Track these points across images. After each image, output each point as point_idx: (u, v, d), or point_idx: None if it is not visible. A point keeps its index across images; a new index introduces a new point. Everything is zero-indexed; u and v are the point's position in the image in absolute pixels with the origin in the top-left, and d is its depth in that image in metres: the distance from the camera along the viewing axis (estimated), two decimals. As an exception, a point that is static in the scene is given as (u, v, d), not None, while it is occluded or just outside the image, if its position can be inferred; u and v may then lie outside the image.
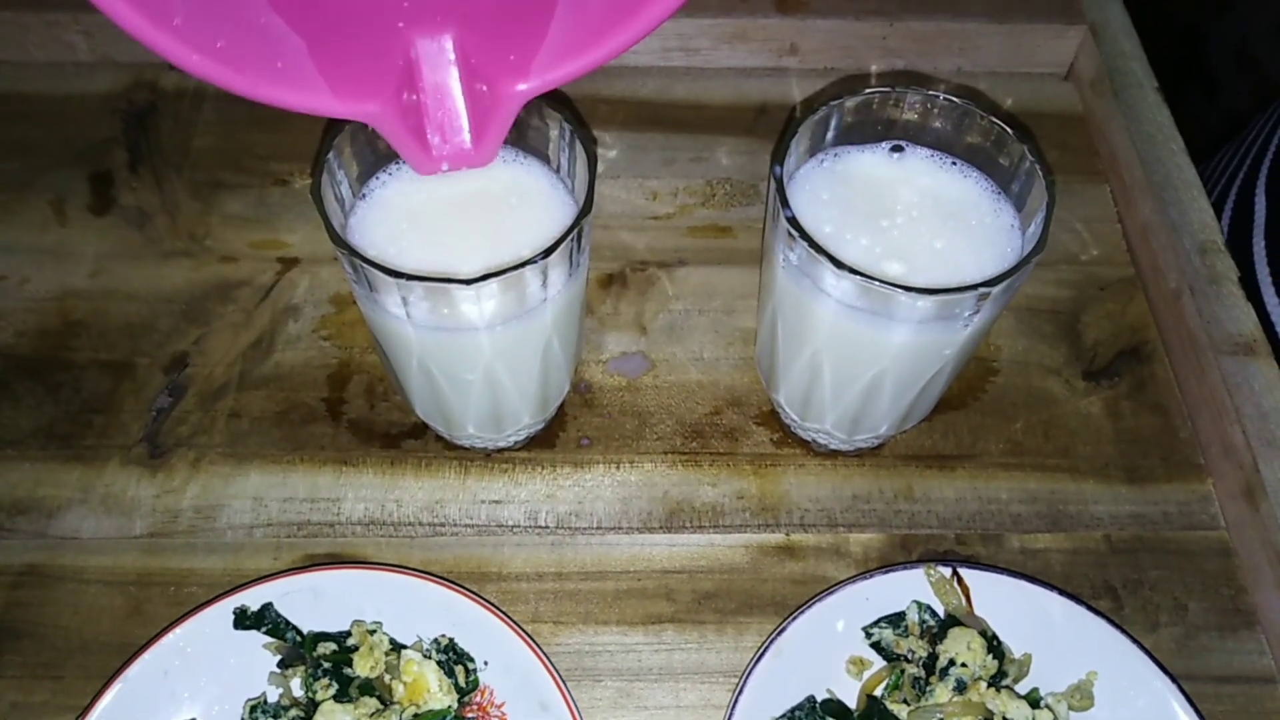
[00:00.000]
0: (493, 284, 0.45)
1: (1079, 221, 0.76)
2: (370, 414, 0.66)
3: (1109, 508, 0.64)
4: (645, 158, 0.79)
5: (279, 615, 0.53)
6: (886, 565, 0.57)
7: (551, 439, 0.65)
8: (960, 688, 0.51)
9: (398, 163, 0.53)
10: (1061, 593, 0.55)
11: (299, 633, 0.53)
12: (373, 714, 0.48)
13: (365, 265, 0.45)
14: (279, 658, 0.53)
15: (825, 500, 0.63)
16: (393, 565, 0.55)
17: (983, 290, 0.46)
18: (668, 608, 0.59)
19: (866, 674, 0.55)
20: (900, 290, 0.46)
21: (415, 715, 0.49)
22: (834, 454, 0.64)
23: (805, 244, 0.47)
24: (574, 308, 0.53)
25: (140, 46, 0.43)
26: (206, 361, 0.67)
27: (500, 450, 0.64)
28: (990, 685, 0.51)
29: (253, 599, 0.53)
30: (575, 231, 0.47)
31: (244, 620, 0.53)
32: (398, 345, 0.51)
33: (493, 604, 0.54)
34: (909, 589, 0.56)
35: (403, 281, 0.45)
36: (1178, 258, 0.70)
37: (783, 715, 0.52)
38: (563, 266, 0.48)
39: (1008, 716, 0.50)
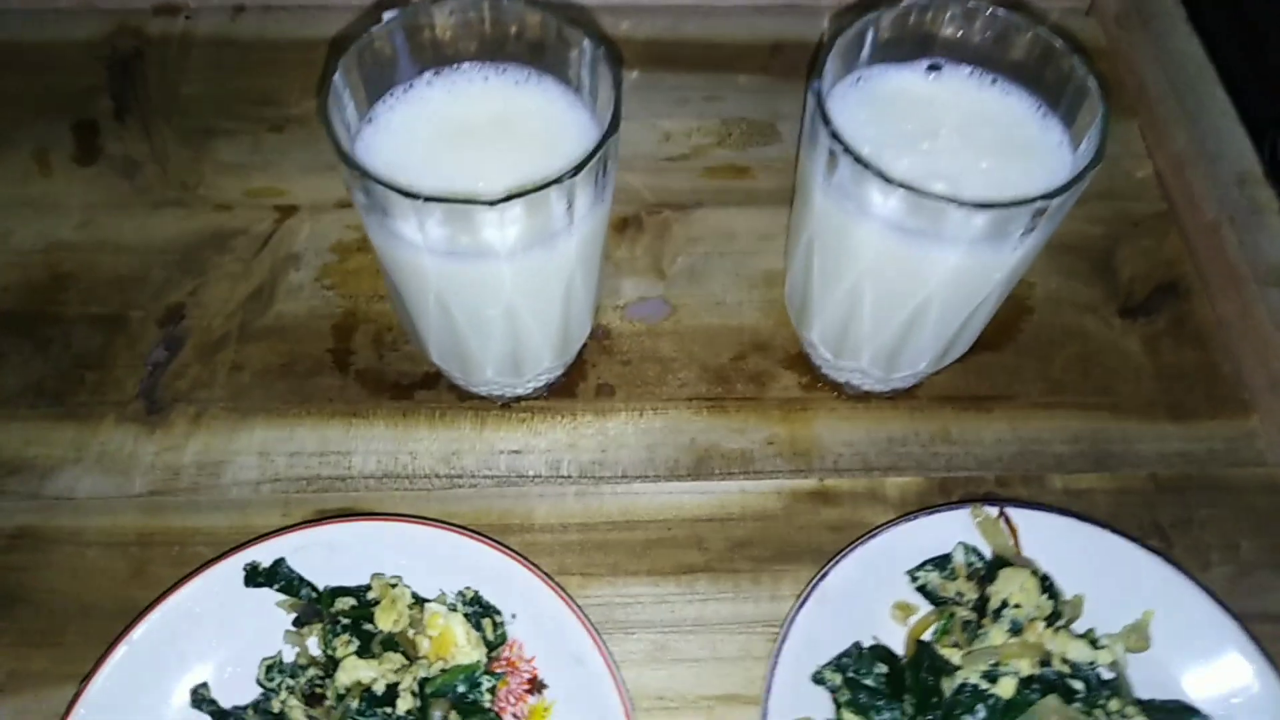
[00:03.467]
0: (517, 206, 0.42)
1: (1107, 160, 0.73)
2: (379, 364, 0.62)
3: (1154, 446, 0.61)
4: (657, 97, 0.75)
5: (292, 571, 0.50)
6: (928, 507, 0.55)
7: (571, 387, 0.62)
8: (1015, 629, 0.49)
9: (406, 85, 0.50)
10: (1114, 530, 0.53)
11: (314, 589, 0.50)
12: (398, 670, 0.45)
13: (380, 188, 0.42)
14: (294, 616, 0.50)
15: (859, 444, 0.60)
16: (411, 516, 0.52)
17: (1040, 204, 0.43)
18: (700, 557, 0.56)
19: (913, 619, 0.52)
20: (955, 205, 0.43)
21: (443, 670, 0.46)
22: (866, 397, 0.62)
23: (851, 160, 0.44)
24: (598, 238, 0.50)
25: None
26: (204, 313, 0.64)
27: (518, 399, 0.61)
28: (1047, 625, 0.48)
29: (264, 554, 0.50)
30: (602, 149, 0.44)
31: (255, 577, 0.50)
32: (413, 281, 0.48)
33: (519, 553, 0.51)
34: (953, 531, 0.54)
35: (421, 204, 0.41)
36: (1216, 188, 0.67)
37: (829, 663, 0.50)
38: (589, 189, 0.45)
39: (1067, 658, 0.48)
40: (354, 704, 0.44)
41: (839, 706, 0.48)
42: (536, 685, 0.49)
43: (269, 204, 0.69)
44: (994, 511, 0.53)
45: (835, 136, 0.45)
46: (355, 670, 0.45)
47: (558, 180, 0.42)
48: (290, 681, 0.47)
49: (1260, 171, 0.67)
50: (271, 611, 0.50)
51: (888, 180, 0.43)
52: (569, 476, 0.59)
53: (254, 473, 0.58)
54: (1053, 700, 0.46)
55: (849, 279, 0.50)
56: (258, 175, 0.70)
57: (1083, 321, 0.66)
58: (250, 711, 0.47)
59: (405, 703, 0.44)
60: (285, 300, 0.65)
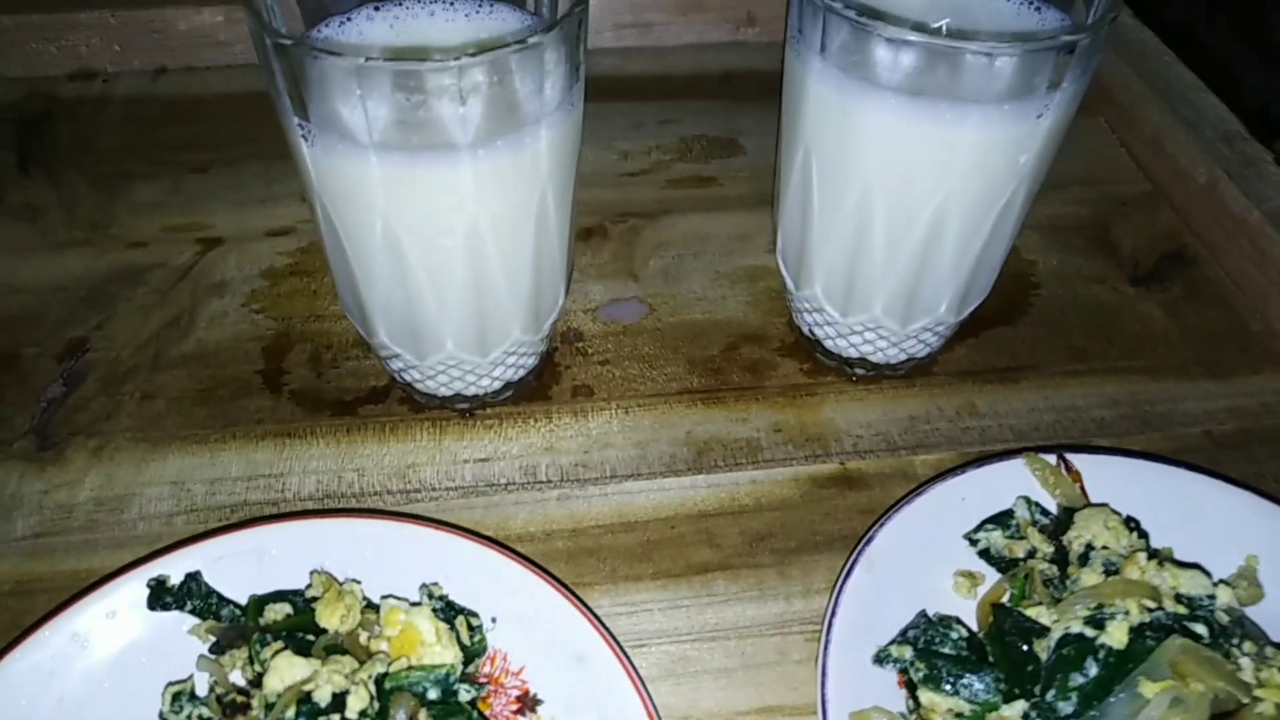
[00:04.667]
0: (477, 71, 0.36)
1: (1082, 151, 0.71)
2: (317, 382, 0.54)
3: (1200, 404, 0.54)
4: (609, 125, 0.72)
5: (210, 588, 0.40)
6: (973, 460, 0.47)
7: (543, 391, 0.54)
8: (1111, 570, 0.40)
9: (344, 18, 0.44)
10: (1194, 469, 0.45)
11: (238, 607, 0.40)
12: (347, 673, 0.34)
13: (316, 54, 0.35)
14: (212, 641, 0.39)
15: (878, 424, 0.53)
16: (358, 510, 0.43)
17: (1067, 41, 0.38)
18: (713, 555, 0.47)
19: (981, 588, 0.43)
20: (974, 48, 0.38)
21: (410, 667, 0.35)
22: (878, 379, 0.54)
23: (851, 20, 0.39)
24: (570, 150, 0.43)
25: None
26: (110, 345, 0.55)
27: (481, 405, 0.52)
28: (1151, 558, 0.40)
29: (173, 567, 0.40)
30: (577, 11, 0.38)
31: (162, 596, 0.39)
32: (358, 216, 0.41)
33: (495, 541, 0.41)
34: (1009, 485, 0.45)
35: (364, 66, 0.35)
36: (1204, 150, 0.64)
37: (894, 639, 0.40)
38: (561, 68, 0.39)
39: (1183, 592, 0.39)
40: (288, 714, 0.33)
41: (913, 687, 0.38)
42: (529, 702, 0.38)
43: (189, 237, 0.61)
44: (1052, 459, 0.46)
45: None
46: (290, 670, 0.34)
47: (522, 43, 0.36)
48: (203, 711, 0.36)
49: (1244, 130, 0.65)
50: (182, 641, 0.39)
51: (897, 25, 0.38)
52: (549, 481, 0.50)
53: (166, 505, 0.48)
54: (1180, 640, 0.36)
55: (855, 189, 0.44)
56: (177, 214, 0.63)
57: (1094, 292, 0.61)
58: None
59: (358, 701, 0.33)
60: (208, 328, 0.56)
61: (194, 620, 0.39)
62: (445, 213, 0.40)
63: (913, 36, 0.38)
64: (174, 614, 0.39)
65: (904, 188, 0.43)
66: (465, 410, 0.52)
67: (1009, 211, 0.45)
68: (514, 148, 0.39)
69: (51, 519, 0.47)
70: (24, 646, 0.37)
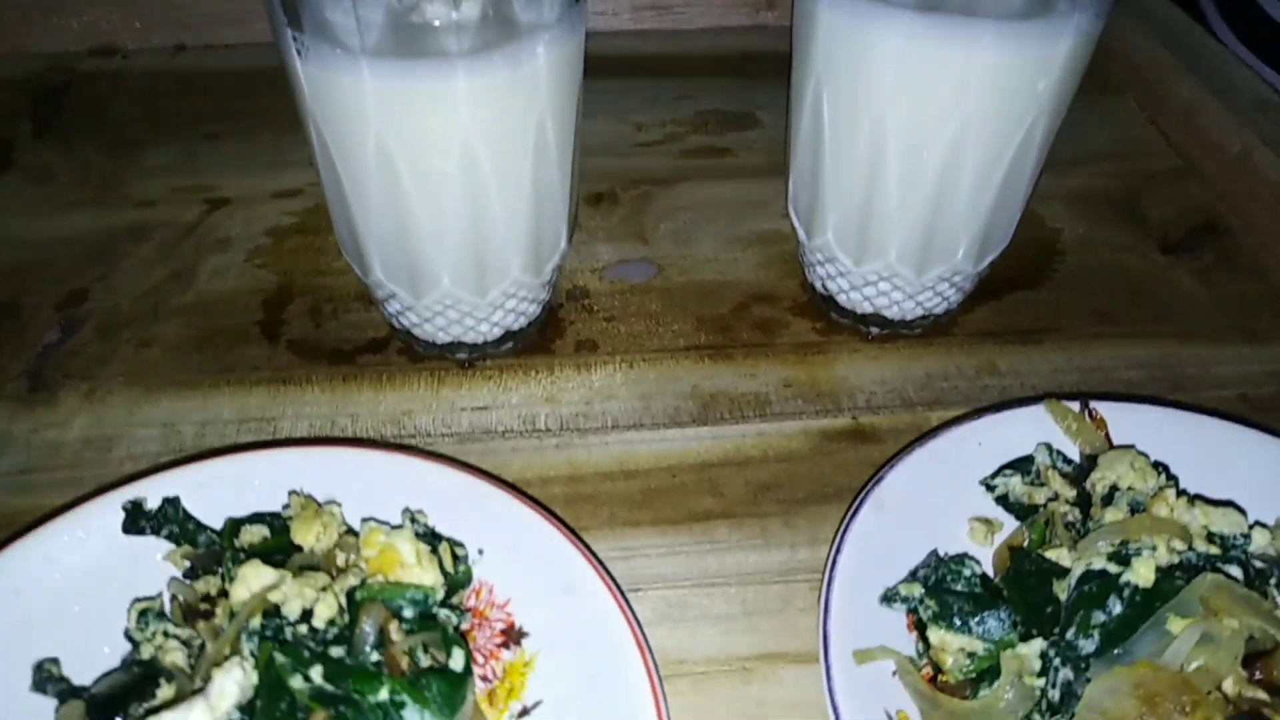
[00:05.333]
0: (470, -29, 0.35)
1: (1110, 129, 0.69)
2: (316, 332, 0.53)
3: (1234, 368, 0.52)
4: (625, 99, 0.71)
5: (188, 514, 0.38)
6: (992, 405, 0.44)
7: (546, 345, 0.52)
8: (1138, 509, 0.37)
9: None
10: (1226, 417, 0.43)
11: (216, 534, 0.38)
12: (319, 588, 0.33)
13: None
14: (186, 567, 0.37)
15: (893, 381, 0.51)
16: (346, 439, 0.41)
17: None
18: (716, 503, 0.45)
19: (999, 535, 0.41)
20: (985, -45, 0.36)
21: (386, 584, 0.33)
22: (894, 337, 0.52)
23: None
24: (570, 77, 0.42)
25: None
26: (111, 295, 0.54)
27: (482, 356, 0.51)
28: (1180, 495, 0.37)
29: (150, 491, 0.38)
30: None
31: (138, 520, 0.38)
32: (349, 124, 0.40)
33: (485, 472, 0.40)
34: (1029, 432, 0.43)
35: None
36: (1237, 120, 0.62)
37: (903, 579, 0.37)
38: (556, -15, 0.38)
39: (1214, 530, 0.36)
40: (253, 623, 0.31)
41: (923, 627, 0.36)
42: (513, 635, 0.36)
43: (198, 198, 0.61)
44: (1075, 406, 0.43)
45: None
46: (257, 578, 0.32)
47: (516, -54, 0.35)
48: (169, 627, 0.34)
49: (1278, 95, 0.63)
50: (157, 566, 0.38)
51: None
52: (548, 430, 0.48)
53: (154, 445, 0.47)
54: (1213, 576, 0.34)
55: (867, 121, 0.43)
56: (186, 176, 0.63)
57: (1121, 259, 0.58)
58: (111, 677, 0.33)
59: (326, 610, 0.31)
60: (209, 280, 0.56)
61: (169, 546, 0.38)
62: (439, 130, 0.39)
63: (923, -58, 0.37)
64: (150, 539, 0.38)
65: (918, 117, 0.42)
66: (465, 361, 0.51)
67: (1027, 147, 0.44)
68: (510, 63, 0.38)
69: (39, 456, 0.46)
70: (-13, 564, 0.36)
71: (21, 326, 0.53)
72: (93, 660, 0.35)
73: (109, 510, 0.38)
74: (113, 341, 0.52)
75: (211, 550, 0.37)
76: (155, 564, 0.38)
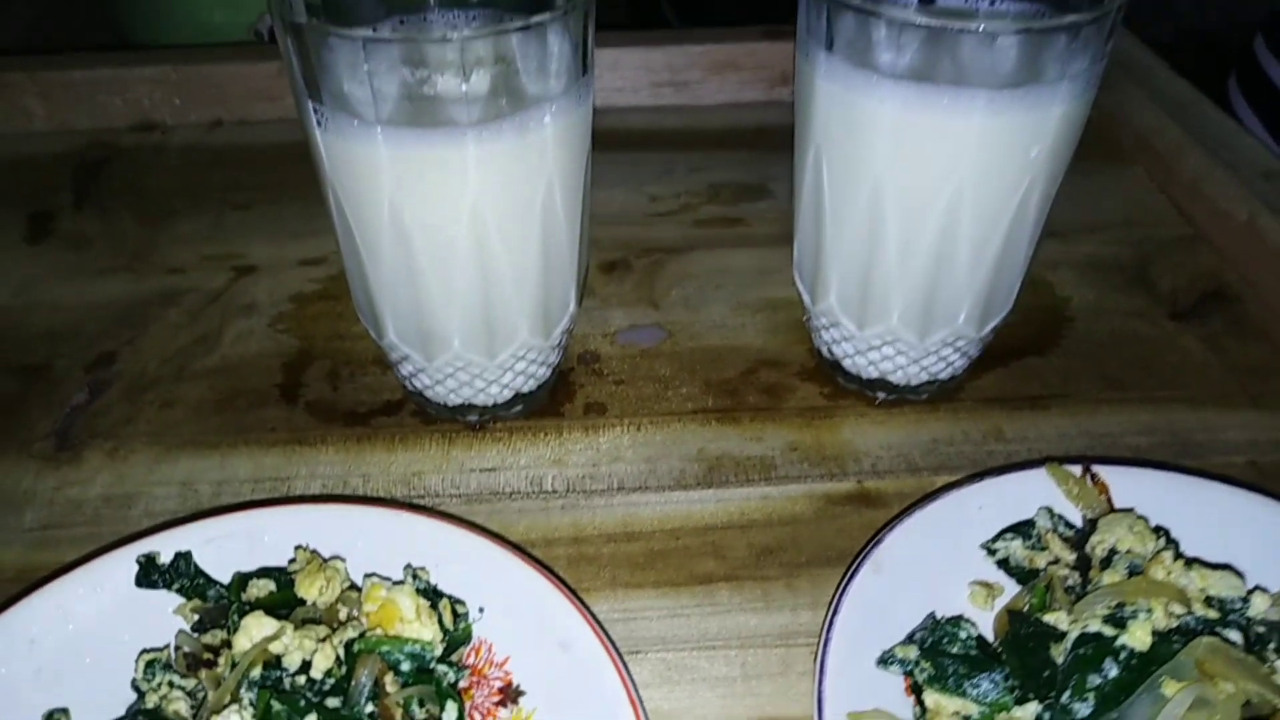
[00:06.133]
0: (480, 43, 0.37)
1: (1119, 198, 0.70)
2: (333, 395, 0.54)
3: (1243, 434, 0.52)
4: (641, 171, 0.73)
5: (199, 569, 0.39)
6: (993, 468, 0.45)
7: (555, 407, 0.53)
8: (1135, 572, 0.37)
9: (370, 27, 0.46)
10: (1234, 483, 0.43)
11: (225, 589, 0.39)
12: (319, 639, 0.33)
13: (326, 31, 0.37)
14: (195, 619, 0.38)
15: (899, 446, 0.51)
16: (355, 497, 0.42)
17: (1074, 21, 0.38)
18: (718, 566, 0.45)
19: (999, 600, 0.40)
20: (978, 29, 0.38)
21: (385, 637, 0.34)
22: (900, 403, 0.53)
23: (854, 10, 0.39)
24: (578, 146, 0.44)
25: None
26: (138, 358, 0.56)
27: (492, 418, 0.52)
28: (1176, 558, 0.37)
29: (164, 545, 0.39)
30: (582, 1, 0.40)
31: (150, 574, 0.39)
32: (364, 191, 0.41)
33: (488, 530, 0.40)
34: (1030, 495, 0.43)
35: (370, 39, 0.36)
36: (1243, 188, 0.63)
37: (899, 642, 0.37)
38: (565, 51, 0.40)
39: (1213, 594, 0.36)
40: (253, 673, 0.32)
41: (919, 688, 0.36)
42: (510, 694, 0.37)
43: (226, 265, 0.63)
44: (1077, 470, 0.43)
45: (832, -4, 0.41)
46: (259, 628, 0.33)
47: (526, 22, 0.37)
48: (175, 679, 0.35)
49: (1284, 166, 0.63)
50: (167, 619, 0.39)
51: (900, 4, 0.38)
52: (555, 491, 0.49)
53: (172, 503, 0.48)
54: (1209, 639, 0.33)
55: (866, 187, 0.44)
56: (216, 244, 0.65)
57: (1131, 326, 0.59)
58: (118, 728, 0.34)
59: (324, 660, 0.32)
60: (233, 344, 0.57)
61: (180, 600, 0.39)
62: (449, 194, 0.41)
63: (916, 18, 0.38)
64: (161, 593, 0.39)
65: (914, 183, 0.43)
66: (475, 423, 0.52)
67: (1024, 212, 0.44)
68: (518, 131, 0.40)
69: (61, 513, 0.48)
70: (7, 614, 0.37)
71: (52, 387, 0.55)
72: (101, 710, 0.36)
73: (123, 564, 0.39)
74: (137, 403, 0.53)
75: (220, 604, 0.38)
76: (166, 616, 0.39)
